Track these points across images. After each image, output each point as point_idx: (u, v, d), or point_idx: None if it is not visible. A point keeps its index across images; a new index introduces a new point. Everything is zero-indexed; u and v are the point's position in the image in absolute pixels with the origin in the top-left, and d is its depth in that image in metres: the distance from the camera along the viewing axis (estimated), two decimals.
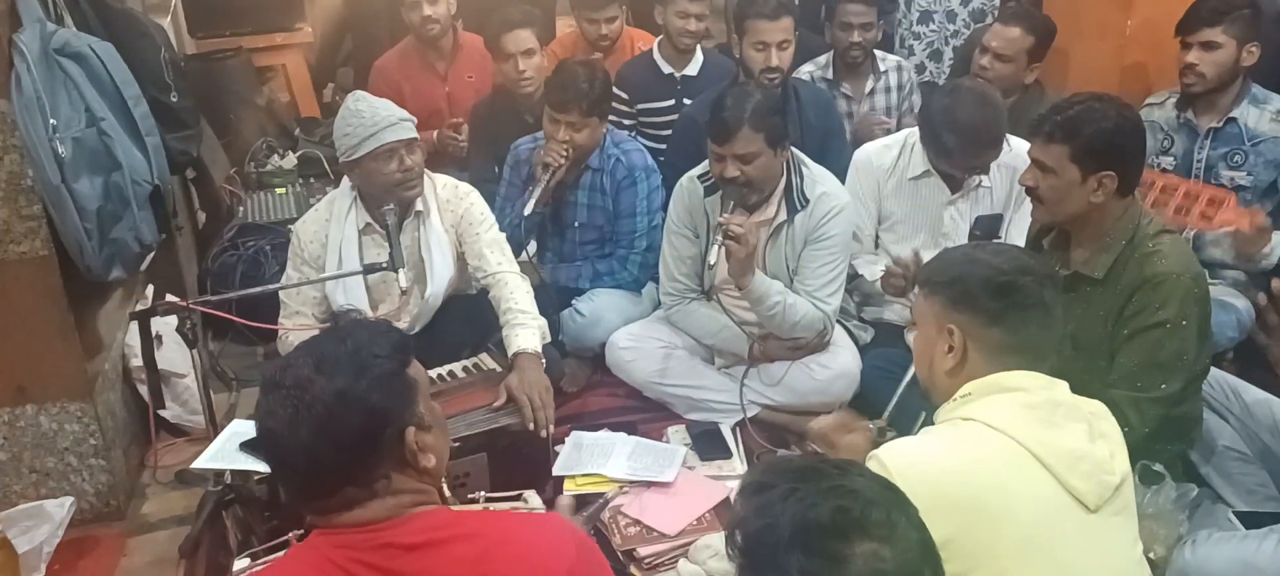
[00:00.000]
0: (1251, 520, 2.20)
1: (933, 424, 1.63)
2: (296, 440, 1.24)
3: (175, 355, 2.85)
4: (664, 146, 3.55)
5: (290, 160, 4.22)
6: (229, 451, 2.26)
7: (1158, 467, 2.20)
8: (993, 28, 3.41)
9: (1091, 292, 2.19)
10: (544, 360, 2.56)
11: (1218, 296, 2.61)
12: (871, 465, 1.48)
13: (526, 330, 2.55)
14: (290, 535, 1.78)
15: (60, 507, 2.47)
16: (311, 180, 4.13)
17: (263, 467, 1.33)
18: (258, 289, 2.82)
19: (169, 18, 4.11)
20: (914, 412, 1.95)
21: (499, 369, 2.60)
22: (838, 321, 2.90)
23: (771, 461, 1.29)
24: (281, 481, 1.36)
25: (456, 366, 2.66)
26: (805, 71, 3.72)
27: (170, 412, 2.87)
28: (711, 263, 2.66)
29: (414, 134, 2.60)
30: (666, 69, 3.67)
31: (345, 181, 2.71)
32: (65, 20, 2.65)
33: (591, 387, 3.15)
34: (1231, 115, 2.97)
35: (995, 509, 1.44)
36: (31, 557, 2.37)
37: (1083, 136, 2.09)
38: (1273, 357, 2.05)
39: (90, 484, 2.62)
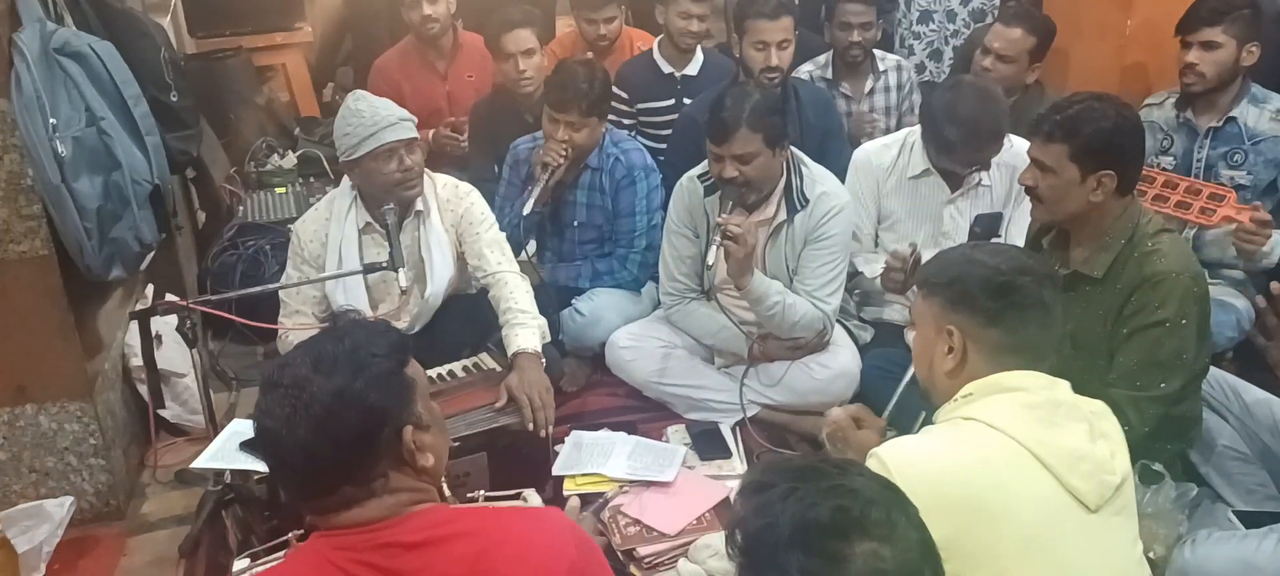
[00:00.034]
0: (1251, 519, 2.20)
1: (933, 423, 1.63)
2: (294, 439, 1.24)
3: (175, 354, 2.85)
4: (664, 146, 3.55)
5: (290, 160, 4.22)
6: (229, 451, 2.26)
7: (1157, 467, 2.20)
8: (994, 28, 3.41)
9: (1091, 292, 2.20)
10: (544, 360, 2.56)
11: (1217, 297, 2.61)
12: (871, 463, 1.48)
13: (526, 330, 2.55)
14: (290, 535, 1.77)
15: (60, 507, 2.47)
16: (311, 180, 4.13)
17: (262, 467, 1.33)
18: (257, 288, 2.82)
19: (169, 17, 4.11)
20: (914, 412, 1.95)
21: (499, 368, 2.60)
22: (837, 321, 2.90)
23: (771, 461, 1.29)
24: (280, 480, 1.36)
25: (456, 366, 2.66)
26: (805, 71, 3.72)
27: (170, 412, 2.88)
28: (710, 263, 2.67)
29: (414, 134, 2.60)
30: (666, 68, 3.67)
31: (345, 181, 2.71)
32: (65, 19, 2.65)
33: (591, 387, 3.15)
34: (1231, 114, 2.97)
35: (995, 508, 1.44)
36: (31, 557, 2.37)
37: (1082, 136, 2.10)
38: (1271, 359, 2.05)
39: (90, 483, 2.62)
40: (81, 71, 2.46)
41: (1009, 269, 1.61)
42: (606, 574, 1.40)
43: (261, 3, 4.75)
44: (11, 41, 2.30)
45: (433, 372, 2.57)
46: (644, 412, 2.98)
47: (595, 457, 2.59)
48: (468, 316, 2.84)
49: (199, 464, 2.31)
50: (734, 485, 2.37)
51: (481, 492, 1.99)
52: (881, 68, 3.77)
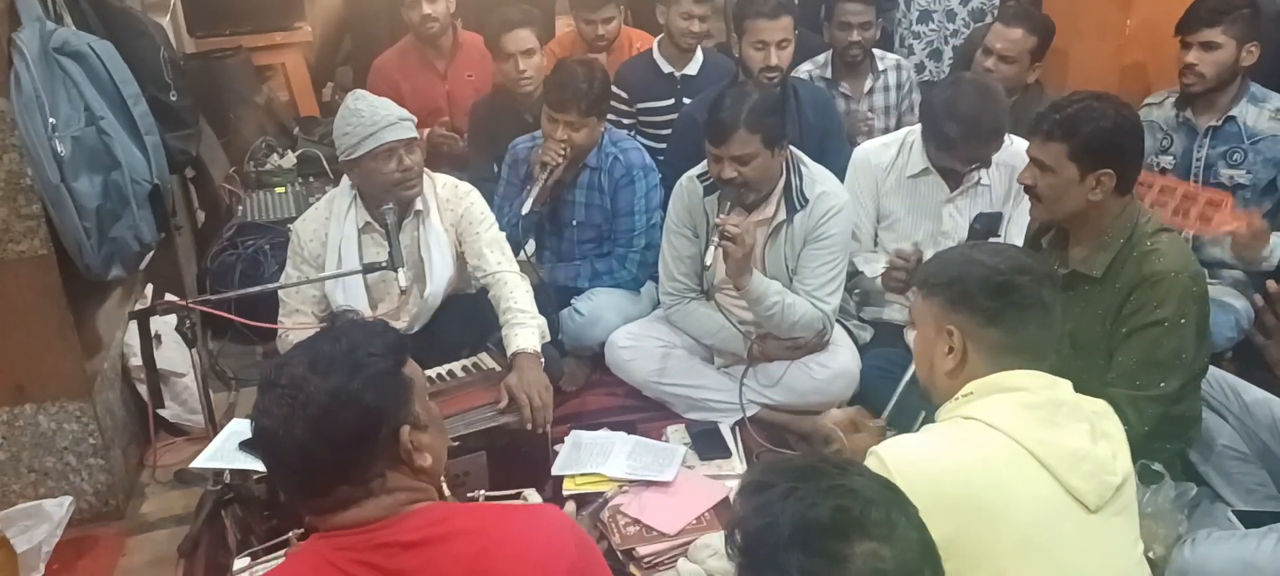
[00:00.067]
0: (1251, 519, 2.21)
1: (933, 422, 1.63)
2: (291, 438, 1.24)
3: (174, 354, 2.85)
4: (664, 146, 3.55)
5: (289, 159, 4.22)
6: (228, 451, 2.26)
7: (1157, 467, 2.20)
8: (994, 29, 3.41)
9: (1090, 291, 2.20)
10: (543, 359, 2.56)
11: (1216, 296, 2.61)
12: (870, 462, 1.48)
13: (526, 329, 2.55)
14: (290, 534, 1.78)
15: (59, 507, 2.47)
16: (311, 179, 4.13)
17: (261, 467, 1.33)
18: (257, 288, 2.82)
19: (168, 16, 4.11)
20: (914, 412, 1.95)
21: (498, 368, 2.60)
22: (837, 321, 2.90)
23: (771, 461, 1.29)
24: (277, 480, 1.36)
25: (456, 366, 2.66)
26: (804, 70, 3.72)
27: (169, 412, 2.87)
28: (708, 263, 2.66)
29: (414, 134, 2.60)
30: (666, 68, 3.67)
31: (345, 180, 2.71)
32: (64, 19, 2.65)
33: (590, 387, 3.15)
34: (1230, 114, 2.97)
35: (994, 508, 1.44)
36: (30, 557, 2.37)
37: (1081, 134, 2.10)
38: (1270, 358, 2.05)
39: (89, 483, 2.61)
40: (81, 71, 2.45)
41: (1008, 268, 1.61)
42: (605, 573, 1.40)
43: (261, 2, 4.75)
44: (11, 41, 2.30)
45: (432, 372, 2.57)
46: (643, 412, 2.98)
47: (595, 457, 2.59)
48: (467, 316, 2.84)
49: (198, 463, 2.31)
50: (733, 485, 2.37)
51: (482, 492, 2.00)
52: (881, 67, 3.77)
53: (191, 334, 2.36)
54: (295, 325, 2.63)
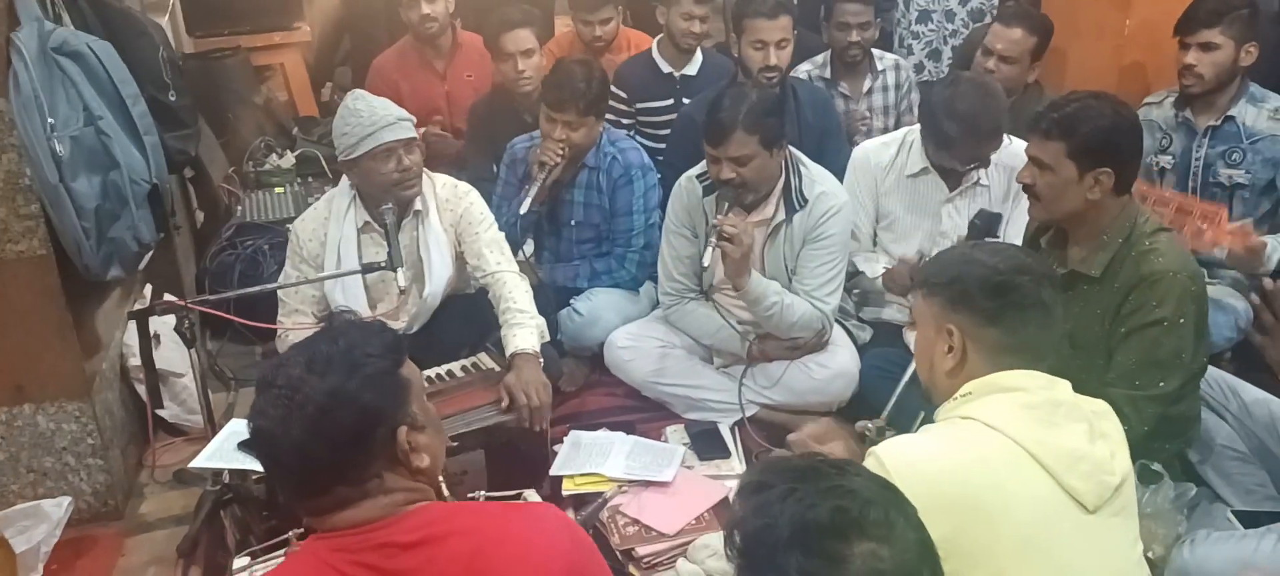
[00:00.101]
0: (1250, 519, 2.21)
1: (933, 422, 1.63)
2: (289, 438, 1.24)
3: (173, 354, 2.85)
4: (663, 146, 3.55)
5: (288, 159, 4.22)
6: (227, 451, 2.26)
7: (1156, 467, 2.20)
8: (994, 29, 3.40)
9: (1088, 291, 2.20)
10: (542, 359, 2.56)
11: (1215, 297, 2.61)
12: (869, 463, 1.48)
13: (525, 329, 2.55)
14: (289, 534, 1.77)
15: (58, 507, 2.47)
16: (310, 179, 4.13)
17: (260, 467, 1.33)
18: (256, 288, 2.82)
19: (167, 17, 4.11)
20: (913, 412, 1.95)
21: (497, 368, 2.60)
22: (836, 321, 2.90)
23: (770, 461, 1.28)
24: (275, 480, 1.36)
25: (455, 366, 2.66)
26: (803, 70, 3.72)
27: (168, 412, 2.87)
28: (706, 264, 2.66)
29: (413, 134, 2.60)
30: (666, 68, 3.67)
31: (344, 180, 2.71)
32: (63, 19, 2.64)
33: (590, 387, 3.15)
34: (1229, 114, 2.96)
35: (992, 508, 1.44)
36: (29, 557, 2.37)
37: (1079, 134, 2.10)
38: (1269, 358, 2.05)
39: (88, 483, 2.61)
40: (79, 71, 2.45)
41: (1008, 268, 1.61)
42: (604, 572, 1.40)
43: (260, 2, 4.75)
44: (10, 41, 2.29)
45: (431, 372, 2.57)
46: (642, 412, 2.98)
47: (594, 457, 2.58)
48: (466, 316, 2.84)
49: (197, 463, 2.31)
50: (733, 485, 2.37)
51: (482, 492, 2.00)
52: (880, 67, 3.77)
53: (190, 334, 2.36)
54: (294, 325, 2.63)
